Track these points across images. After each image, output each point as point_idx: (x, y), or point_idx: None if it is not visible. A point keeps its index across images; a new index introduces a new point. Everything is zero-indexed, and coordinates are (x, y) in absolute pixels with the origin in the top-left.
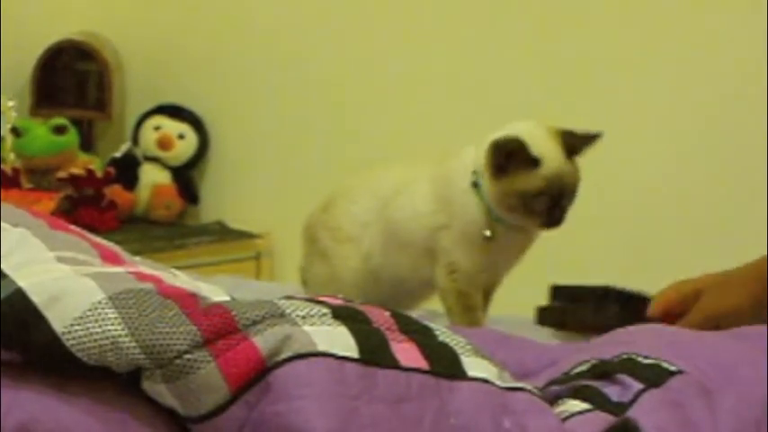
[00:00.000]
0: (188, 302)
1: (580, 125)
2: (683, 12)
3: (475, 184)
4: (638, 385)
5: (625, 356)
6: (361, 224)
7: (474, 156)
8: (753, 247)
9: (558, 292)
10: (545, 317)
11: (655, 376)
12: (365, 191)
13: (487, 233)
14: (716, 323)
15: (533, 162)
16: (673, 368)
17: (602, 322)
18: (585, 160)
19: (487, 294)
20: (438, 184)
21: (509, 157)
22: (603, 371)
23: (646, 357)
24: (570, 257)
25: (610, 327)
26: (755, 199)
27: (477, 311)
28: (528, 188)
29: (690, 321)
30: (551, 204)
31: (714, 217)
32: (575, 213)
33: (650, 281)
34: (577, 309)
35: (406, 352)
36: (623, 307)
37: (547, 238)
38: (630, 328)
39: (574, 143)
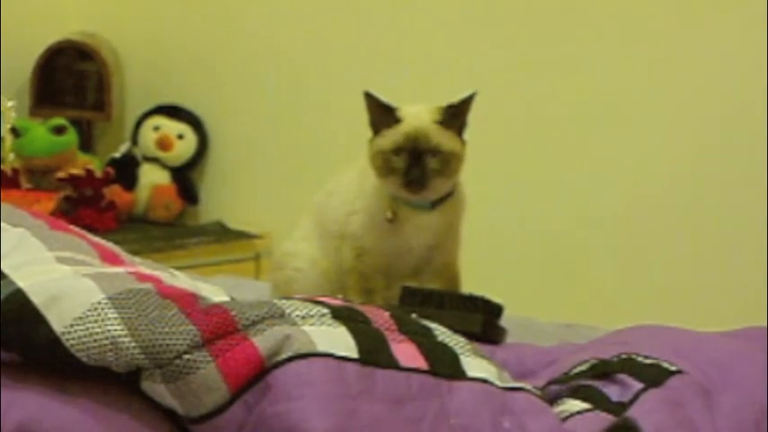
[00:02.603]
0: (187, 303)
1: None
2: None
3: None
4: (637, 385)
5: (625, 356)
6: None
7: None
8: (753, 246)
9: (407, 292)
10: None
11: (654, 376)
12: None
13: (389, 214)
14: None
15: (396, 121)
16: (672, 368)
17: (466, 330)
18: (587, 160)
19: (395, 280)
20: (361, 174)
21: (379, 116)
22: (603, 371)
23: (645, 357)
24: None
25: (473, 335)
26: (755, 198)
27: (374, 295)
28: (387, 144)
29: None
30: (411, 163)
31: (714, 219)
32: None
33: (650, 283)
34: (443, 314)
35: (406, 352)
36: (488, 316)
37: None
38: (630, 328)
39: (450, 112)
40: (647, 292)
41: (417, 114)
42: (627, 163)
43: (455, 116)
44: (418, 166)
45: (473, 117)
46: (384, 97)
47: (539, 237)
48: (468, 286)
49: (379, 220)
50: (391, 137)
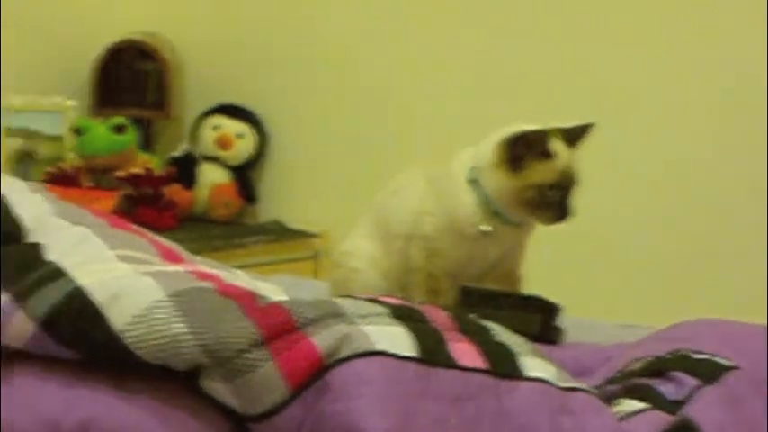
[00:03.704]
0: (247, 301)
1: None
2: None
3: (472, 181)
4: (693, 382)
5: (679, 353)
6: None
7: (474, 154)
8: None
9: (465, 293)
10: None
11: (710, 372)
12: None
13: (488, 228)
14: None
15: (547, 155)
16: (727, 363)
17: (524, 331)
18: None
19: (459, 282)
20: (435, 182)
21: (527, 149)
22: (658, 368)
23: (700, 353)
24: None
25: (531, 336)
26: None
27: (440, 295)
28: (545, 180)
29: None
30: (562, 197)
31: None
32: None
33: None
34: (501, 314)
35: (465, 351)
36: (546, 316)
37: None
38: (684, 323)
39: (571, 138)
40: (703, 290)
41: (559, 145)
42: (682, 163)
43: (573, 141)
44: (567, 199)
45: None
46: (532, 126)
47: (597, 237)
48: (527, 287)
49: (465, 232)
50: (547, 173)
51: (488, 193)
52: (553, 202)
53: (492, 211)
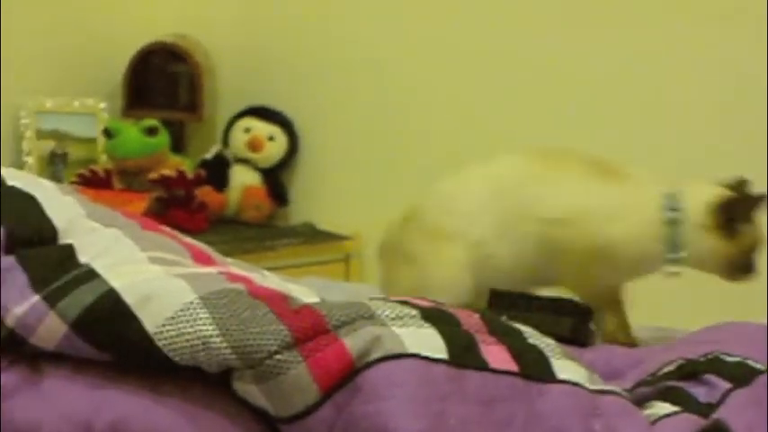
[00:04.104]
0: (278, 303)
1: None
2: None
3: (670, 223)
4: (725, 385)
5: (711, 356)
6: (469, 217)
7: (669, 194)
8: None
9: (496, 295)
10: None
11: (742, 375)
12: (471, 187)
13: (677, 271)
14: None
15: (751, 219)
16: (759, 366)
17: (555, 333)
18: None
19: None
20: (611, 187)
21: (741, 214)
22: (690, 371)
23: (732, 356)
24: None
25: (562, 338)
26: None
27: (601, 300)
28: (754, 245)
29: None
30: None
31: None
32: None
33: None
34: (532, 317)
35: (496, 354)
36: (577, 319)
37: None
38: (715, 326)
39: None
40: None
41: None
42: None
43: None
44: (756, 257)
45: (563, 123)
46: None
47: None
48: (560, 290)
49: (648, 263)
50: (754, 237)
51: (693, 251)
52: (749, 264)
53: (678, 259)
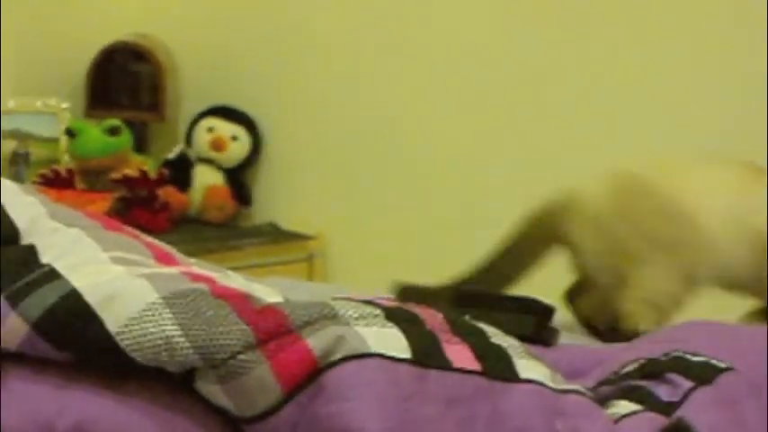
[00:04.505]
0: (241, 303)
1: None
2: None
3: None
4: (687, 384)
5: (674, 354)
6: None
7: None
8: None
9: (460, 294)
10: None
11: (704, 374)
12: (712, 194)
13: None
14: None
15: None
16: (722, 365)
17: (518, 332)
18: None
19: None
20: None
21: None
22: (652, 370)
23: (694, 355)
24: None
25: (525, 337)
26: None
27: None
28: None
29: None
30: None
31: None
32: None
33: None
34: (495, 316)
35: (459, 353)
36: (540, 317)
37: None
38: (679, 325)
39: None
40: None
41: None
42: None
43: None
44: None
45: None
46: None
47: None
48: (520, 288)
49: None
50: None
51: None
52: None
53: None
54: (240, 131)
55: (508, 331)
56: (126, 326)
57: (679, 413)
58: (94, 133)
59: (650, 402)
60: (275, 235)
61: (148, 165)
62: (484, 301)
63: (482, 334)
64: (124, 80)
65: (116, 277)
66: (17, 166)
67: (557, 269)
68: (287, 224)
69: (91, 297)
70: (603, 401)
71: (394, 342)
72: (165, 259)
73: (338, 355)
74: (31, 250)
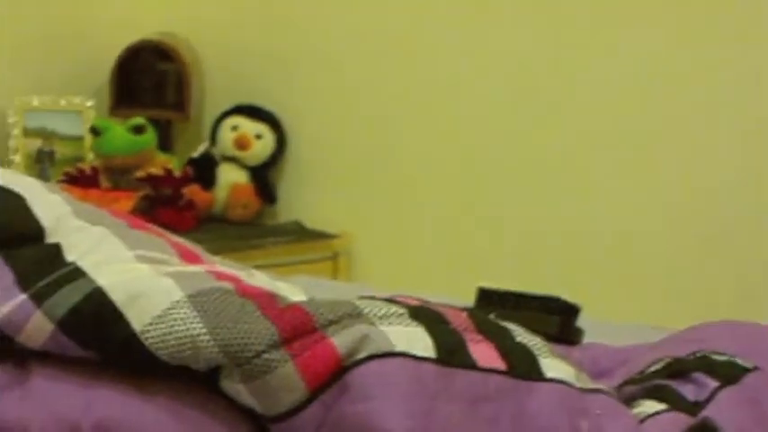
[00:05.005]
0: (266, 302)
1: None
2: None
3: None
4: (713, 383)
5: (699, 354)
6: None
7: None
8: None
9: (484, 294)
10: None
11: (730, 373)
12: None
13: None
14: None
15: None
16: (748, 365)
17: (543, 331)
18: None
19: None
20: None
21: None
22: (678, 369)
23: (720, 354)
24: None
25: (550, 336)
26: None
27: None
28: None
29: None
30: None
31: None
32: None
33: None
34: (520, 315)
35: (484, 352)
36: (565, 317)
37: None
38: (704, 325)
39: None
40: (726, 292)
41: None
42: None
43: None
44: None
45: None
46: None
47: (616, 239)
48: (546, 287)
49: None
50: None
51: None
52: None
53: None
54: (264, 130)
55: (533, 330)
56: (151, 324)
57: (705, 413)
58: (119, 131)
59: (676, 402)
60: (300, 233)
61: (173, 163)
62: (508, 300)
63: (507, 333)
64: (149, 79)
65: (141, 275)
66: (42, 165)
67: (581, 267)
68: (311, 223)
69: (116, 295)
70: (629, 401)
71: (418, 341)
72: (189, 258)
73: (363, 354)
74: (56, 249)
